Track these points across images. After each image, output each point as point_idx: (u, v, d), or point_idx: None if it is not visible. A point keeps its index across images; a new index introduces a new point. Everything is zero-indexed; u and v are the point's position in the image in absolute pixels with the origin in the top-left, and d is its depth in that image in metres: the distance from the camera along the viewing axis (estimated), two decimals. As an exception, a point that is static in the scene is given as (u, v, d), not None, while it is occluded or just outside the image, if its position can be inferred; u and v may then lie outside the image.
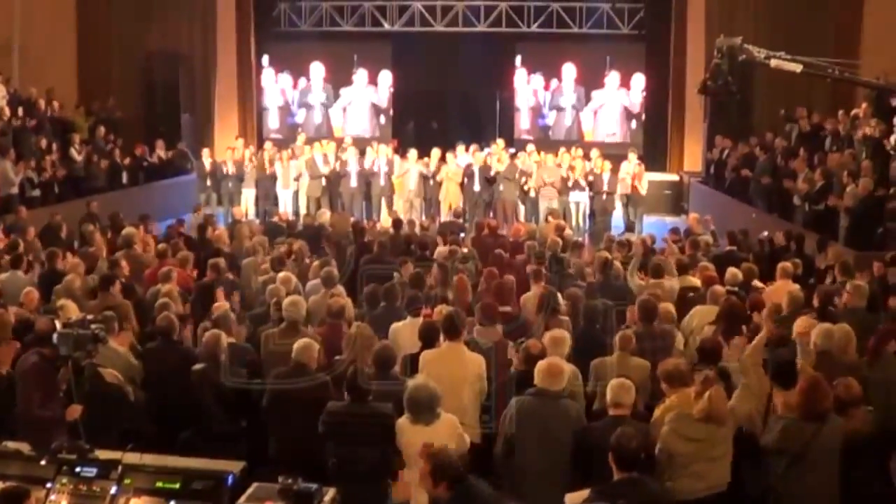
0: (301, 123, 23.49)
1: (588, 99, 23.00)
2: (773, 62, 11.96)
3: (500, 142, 19.48)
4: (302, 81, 23.66)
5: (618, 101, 22.91)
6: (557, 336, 7.18)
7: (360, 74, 23.43)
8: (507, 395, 6.56)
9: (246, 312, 9.14)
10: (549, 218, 15.49)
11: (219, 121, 22.83)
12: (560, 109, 23.18)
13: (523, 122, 23.45)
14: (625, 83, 22.80)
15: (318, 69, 23.57)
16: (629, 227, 15.26)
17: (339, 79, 23.59)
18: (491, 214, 17.75)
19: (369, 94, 23.56)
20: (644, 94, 22.75)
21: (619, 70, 22.76)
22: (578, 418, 6.25)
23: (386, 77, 23.46)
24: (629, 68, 22.76)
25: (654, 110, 22.79)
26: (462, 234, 13.37)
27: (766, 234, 13.00)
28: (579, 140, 22.32)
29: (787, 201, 15.78)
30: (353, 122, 23.60)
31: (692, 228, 13.74)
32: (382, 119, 23.65)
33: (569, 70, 22.95)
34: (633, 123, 23.01)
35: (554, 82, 23.13)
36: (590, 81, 22.98)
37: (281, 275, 9.65)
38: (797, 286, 9.52)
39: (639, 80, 22.73)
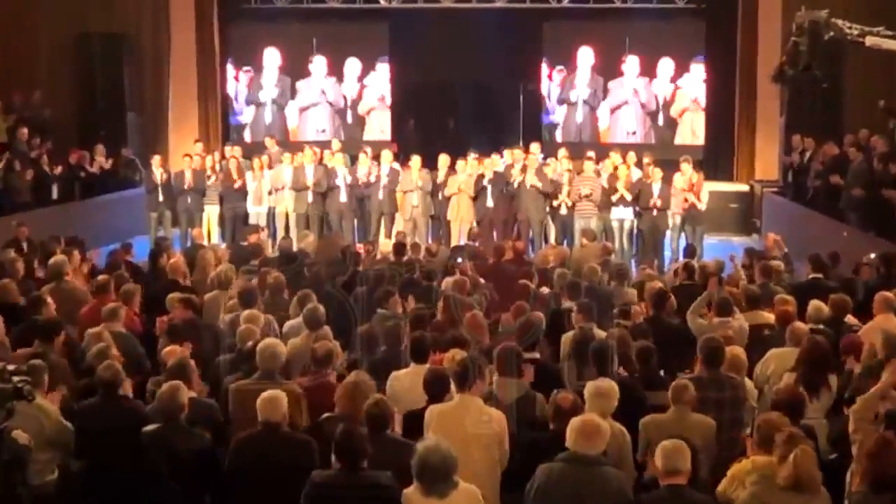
0: (248, 123, 24.07)
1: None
2: (870, 40, 11.97)
3: (535, 146, 19.42)
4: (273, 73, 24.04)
5: (644, 92, 23.32)
6: (602, 387, 7.18)
7: (318, 63, 23.72)
8: (534, 462, 6.56)
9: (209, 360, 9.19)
10: (584, 240, 15.50)
11: (174, 121, 22.93)
12: (572, 104, 23.64)
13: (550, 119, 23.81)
14: (683, 69, 23.07)
15: (272, 56, 23.88)
16: (690, 252, 15.16)
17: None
18: (514, 234, 17.74)
19: (329, 86, 23.86)
20: (704, 83, 22.88)
21: (675, 54, 22.94)
22: (621, 490, 6.25)
23: (355, 65, 23.94)
24: (687, 50, 22.90)
25: (717, 104, 22.89)
26: (459, 259, 13.40)
27: (872, 256, 12.93)
28: (595, 141, 22.70)
29: (888, 216, 15.80)
30: (311, 121, 24.01)
31: (768, 251, 13.72)
32: (350, 118, 23.95)
33: (585, 55, 23.42)
34: (661, 119, 23.25)
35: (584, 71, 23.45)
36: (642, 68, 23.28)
37: (246, 313, 9.69)
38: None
39: (667, 66, 23.15)
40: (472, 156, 18.76)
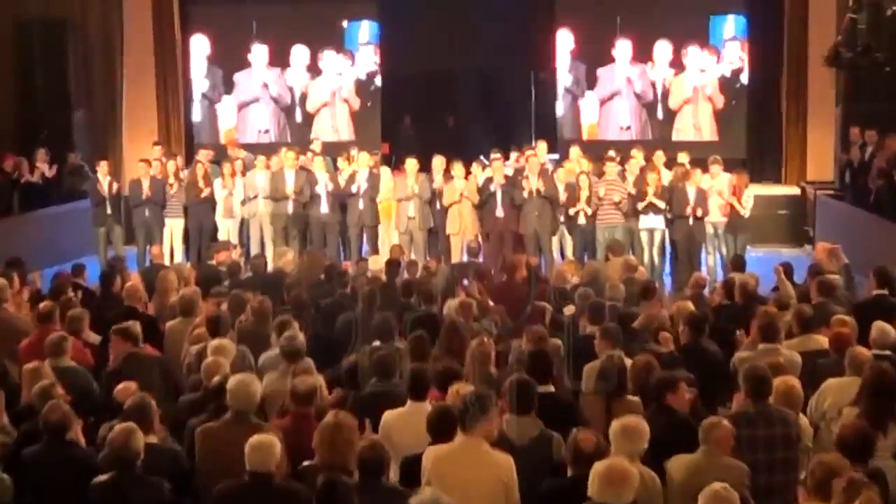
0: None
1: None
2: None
3: (542, 146, 19.41)
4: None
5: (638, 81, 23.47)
6: (629, 425, 7.16)
7: (258, 51, 23.83)
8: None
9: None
10: (610, 255, 15.47)
11: (129, 120, 22.93)
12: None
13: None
14: (681, 53, 23.27)
15: (201, 42, 24.01)
16: (737, 263, 14.94)
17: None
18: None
19: (272, 79, 24.05)
20: (745, 66, 22.94)
21: (673, 36, 23.19)
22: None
23: (302, 53, 24.03)
24: (686, 31, 23.16)
25: (760, 91, 22.89)
26: (466, 280, 13.40)
27: None
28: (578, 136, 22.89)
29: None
30: (251, 120, 24.20)
31: (821, 263, 13.68)
32: (299, 116, 24.01)
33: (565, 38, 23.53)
34: (660, 112, 23.32)
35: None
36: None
37: (214, 343, 9.69)
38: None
39: (665, 50, 23.27)
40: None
